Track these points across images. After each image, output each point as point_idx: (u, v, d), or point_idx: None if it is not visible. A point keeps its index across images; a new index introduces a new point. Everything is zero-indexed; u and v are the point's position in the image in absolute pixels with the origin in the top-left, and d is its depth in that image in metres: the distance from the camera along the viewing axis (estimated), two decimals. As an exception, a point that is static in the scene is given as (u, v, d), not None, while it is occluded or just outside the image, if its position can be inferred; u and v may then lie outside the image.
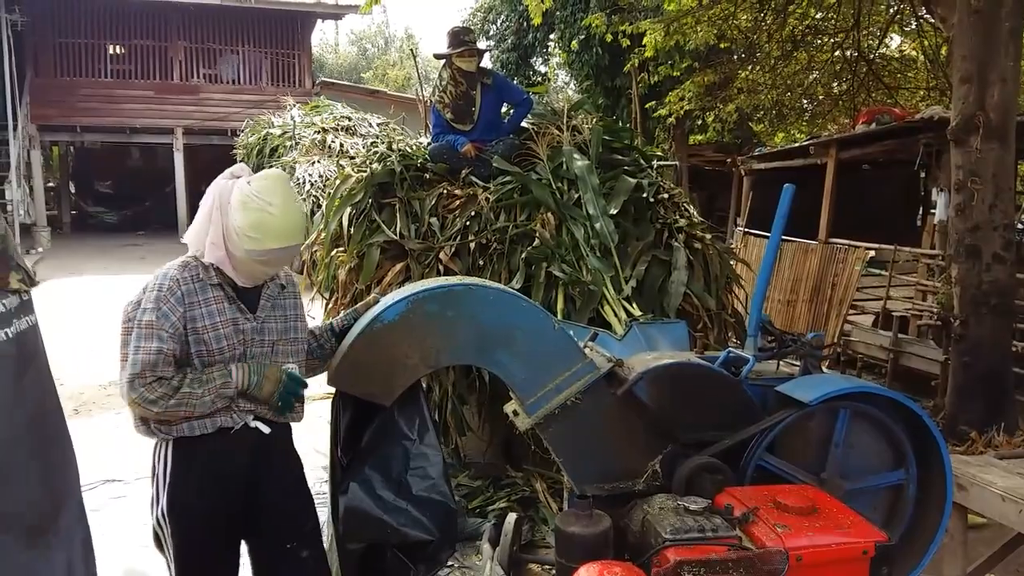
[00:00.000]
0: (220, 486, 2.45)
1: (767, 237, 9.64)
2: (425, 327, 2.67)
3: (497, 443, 5.00)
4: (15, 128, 16.31)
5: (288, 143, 12.69)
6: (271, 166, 11.83)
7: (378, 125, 13.05)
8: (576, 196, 5.04)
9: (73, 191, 23.77)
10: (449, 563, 4.06)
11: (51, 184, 23.28)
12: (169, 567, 2.52)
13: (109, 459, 5.44)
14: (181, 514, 2.43)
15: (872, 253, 8.68)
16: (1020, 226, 10.05)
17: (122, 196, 23.03)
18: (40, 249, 16.73)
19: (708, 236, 5.07)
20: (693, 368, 2.88)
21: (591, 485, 2.80)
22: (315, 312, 5.09)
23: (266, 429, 2.51)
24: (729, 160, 12.05)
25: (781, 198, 3.11)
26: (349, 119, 14.19)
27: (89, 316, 10.31)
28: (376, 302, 2.78)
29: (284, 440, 2.64)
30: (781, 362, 3.40)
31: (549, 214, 4.92)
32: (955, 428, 5.51)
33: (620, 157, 5.54)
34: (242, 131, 16.88)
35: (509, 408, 2.95)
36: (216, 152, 17.85)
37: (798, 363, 3.16)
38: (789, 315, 9.02)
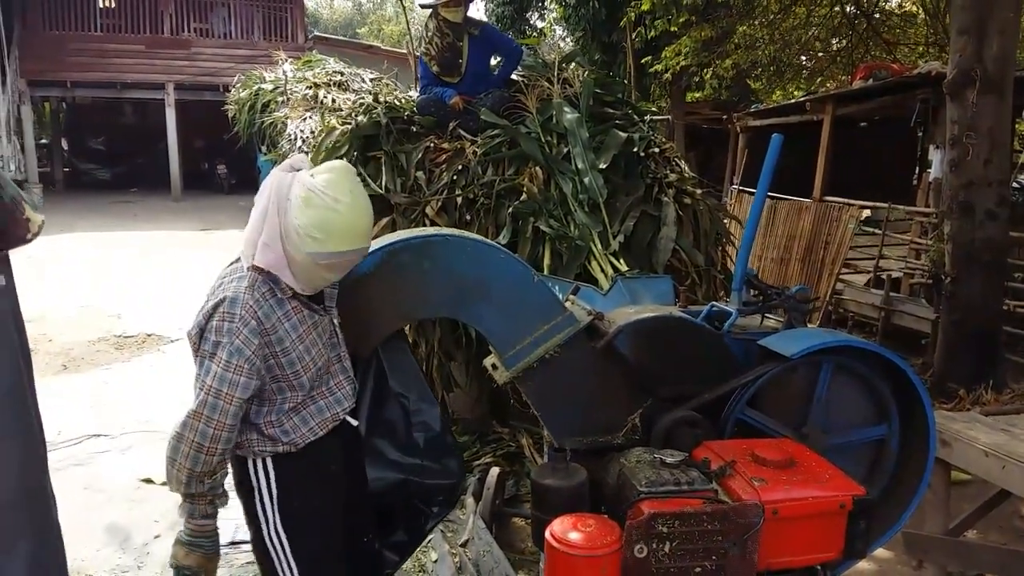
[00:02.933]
0: (330, 487, 2.35)
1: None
2: (400, 279, 2.61)
3: (484, 399, 4.98)
4: (4, 83, 16.07)
5: (279, 98, 12.51)
6: (262, 121, 11.70)
7: (371, 80, 12.89)
8: (565, 150, 4.96)
9: (66, 148, 23.58)
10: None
11: (44, 141, 23.08)
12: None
13: (95, 415, 5.43)
14: (299, 525, 2.27)
15: (867, 212, 8.63)
16: (1016, 185, 9.98)
17: (115, 153, 22.84)
18: (32, 206, 16.59)
19: (698, 191, 5.00)
20: (673, 321, 2.83)
21: (570, 439, 2.77)
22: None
23: (354, 421, 2.45)
24: (725, 117, 11.90)
25: (769, 149, 3.03)
26: (341, 74, 13.97)
27: (80, 273, 10.26)
28: None
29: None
30: (769, 317, 3.36)
31: (537, 168, 4.85)
32: (944, 386, 5.51)
33: (612, 111, 5.44)
34: (233, 86, 16.73)
35: (488, 362, 2.92)
36: (208, 108, 17.65)
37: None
38: (782, 274, 8.99)
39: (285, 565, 2.29)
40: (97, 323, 8.05)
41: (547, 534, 2.26)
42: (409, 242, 2.63)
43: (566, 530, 2.24)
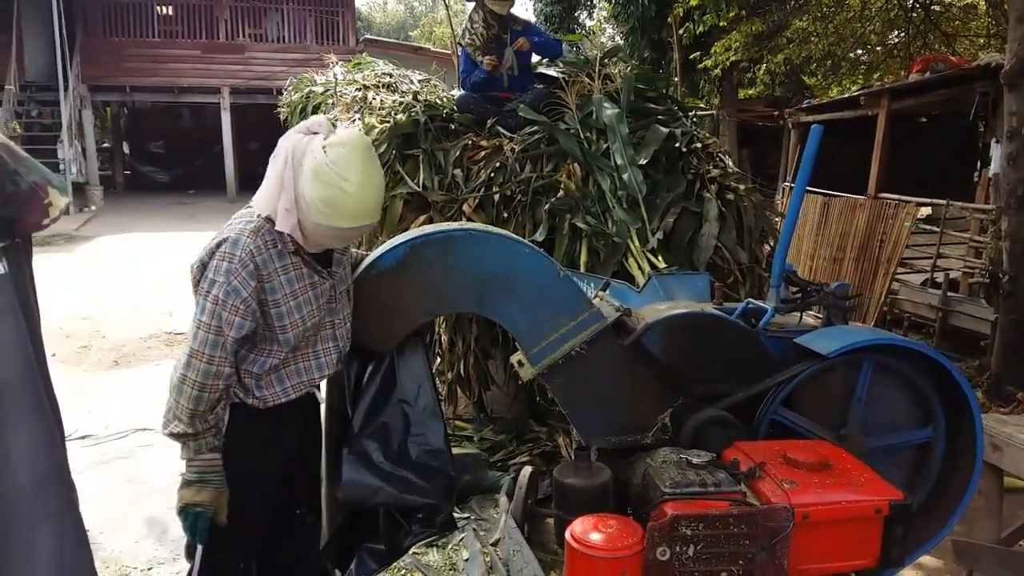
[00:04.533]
0: (273, 453, 2.36)
1: (813, 192, 9.34)
2: (423, 273, 2.59)
3: (521, 397, 4.93)
4: (66, 88, 16.58)
5: (329, 101, 12.70)
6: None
7: (419, 81, 13.00)
8: (604, 146, 4.88)
9: (127, 151, 24.24)
10: (466, 515, 4.03)
11: (106, 145, 23.77)
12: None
13: (143, 410, 5.53)
14: (232, 477, 2.26)
15: (927, 210, 8.33)
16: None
17: (173, 156, 23.40)
18: (93, 207, 17.10)
19: (742, 187, 4.87)
20: (705, 318, 2.75)
21: (598, 438, 2.70)
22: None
23: (321, 396, 2.48)
24: (777, 114, 11.63)
25: (808, 139, 2.93)
26: (390, 76, 14.12)
27: (136, 272, 10.51)
28: None
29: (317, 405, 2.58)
30: (808, 314, 3.25)
31: (575, 164, 4.78)
32: (1000, 388, 5.28)
33: (654, 106, 5.34)
34: (285, 89, 17.05)
35: (515, 358, 2.88)
36: (262, 111, 17.93)
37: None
38: (835, 273, 8.74)
39: None
40: (150, 320, 8.23)
41: (567, 534, 2.21)
42: (432, 237, 2.61)
43: (587, 530, 2.18)
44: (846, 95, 10.46)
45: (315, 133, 2.13)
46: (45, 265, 11.21)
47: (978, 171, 11.60)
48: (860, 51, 12.68)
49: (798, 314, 3.15)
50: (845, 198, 8.87)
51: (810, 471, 2.29)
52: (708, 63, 11.01)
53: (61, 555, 1.71)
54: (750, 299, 2.99)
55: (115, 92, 19.17)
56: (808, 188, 9.65)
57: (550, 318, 2.65)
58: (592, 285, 3.19)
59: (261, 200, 2.18)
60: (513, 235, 2.78)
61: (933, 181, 10.39)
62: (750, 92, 15.37)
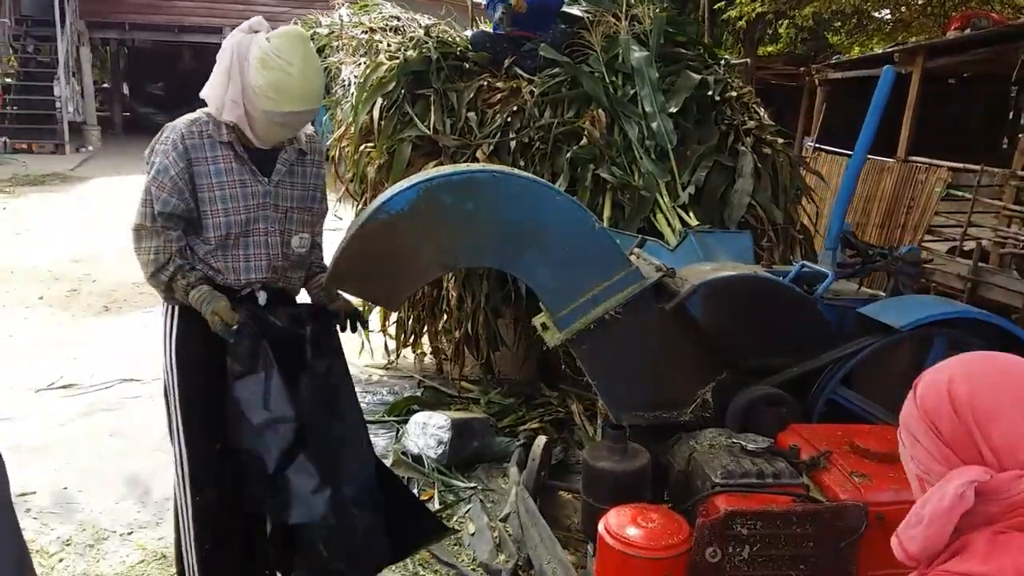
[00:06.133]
0: (219, 342, 2.35)
1: (841, 153, 8.93)
2: (439, 220, 2.24)
3: (532, 360, 4.63)
4: (63, 24, 16.00)
5: (335, 43, 12.27)
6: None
7: (427, 26, 12.52)
8: (632, 92, 4.51)
9: (126, 92, 23.67)
10: (472, 485, 3.75)
11: (105, 85, 23.19)
12: (173, 419, 2.44)
13: (130, 358, 5.22)
14: (185, 364, 2.40)
15: (953, 175, 7.93)
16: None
17: (173, 97, 22.78)
18: (90, 148, 16.64)
19: (779, 141, 4.50)
20: (759, 282, 2.41)
21: (629, 413, 2.39)
22: (344, 214, 4.72)
23: (262, 297, 2.44)
24: (803, 69, 11.11)
25: (879, 84, 2.57)
26: (398, 19, 13.61)
27: (129, 215, 10.14)
28: None
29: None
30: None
31: (600, 111, 4.41)
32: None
33: (684, 51, 4.94)
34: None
35: (538, 321, 2.55)
36: (265, 53, 17.38)
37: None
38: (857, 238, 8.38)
39: (174, 399, 2.41)
40: (143, 266, 7.89)
41: (601, 527, 1.90)
42: (450, 178, 2.25)
43: (624, 524, 1.88)
44: (878, 52, 9.97)
45: (256, 31, 2.26)
46: (38, 205, 10.83)
47: (1006, 138, 11.17)
48: (887, 9, 12.14)
49: (851, 282, 2.83)
50: (871, 160, 8.46)
51: (883, 463, 1.98)
52: (733, 13, 10.49)
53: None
54: (805, 262, 2.65)
55: (114, 29, 18.53)
56: (832, 149, 9.20)
57: (582, 277, 2.31)
58: (620, 242, 2.85)
59: (208, 95, 2.31)
60: (542, 180, 2.43)
61: (961, 145, 9.96)
62: (769, 49, 14.83)
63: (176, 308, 2.42)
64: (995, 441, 0.97)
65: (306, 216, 2.49)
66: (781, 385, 2.37)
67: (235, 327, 2.24)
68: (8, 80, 16.05)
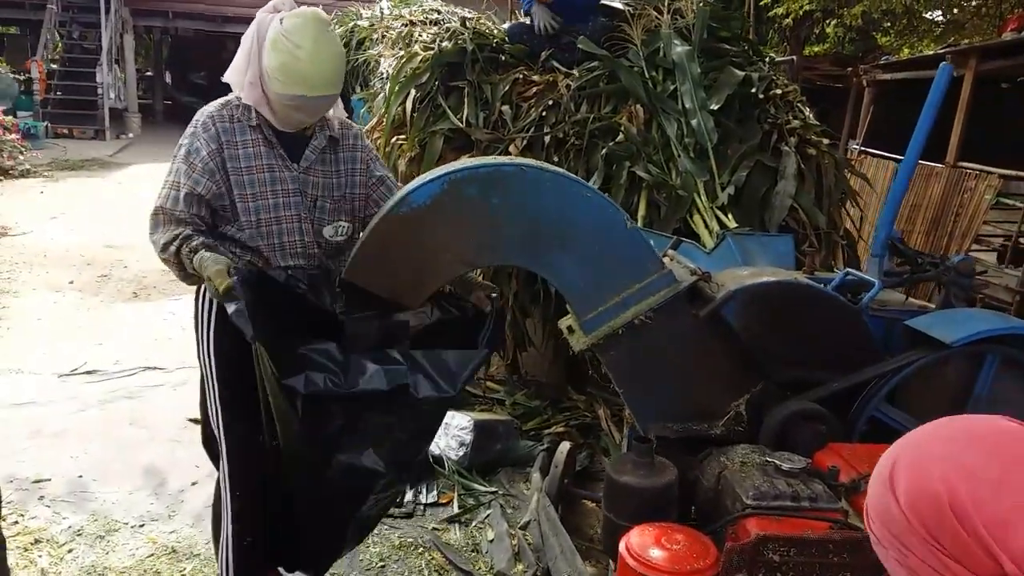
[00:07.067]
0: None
1: (890, 158, 8.66)
2: (463, 215, 2.13)
3: (560, 362, 4.50)
4: (108, 10, 16.19)
5: (375, 36, 12.28)
6: (356, 59, 11.51)
7: (464, 17, 12.46)
8: (672, 88, 4.35)
9: (168, 80, 23.94)
10: (493, 489, 3.64)
11: (149, 73, 23.47)
12: (213, 410, 2.34)
13: (155, 346, 5.20)
14: (222, 352, 2.28)
15: (1004, 182, 7.65)
16: None
17: (215, 87, 22.98)
18: (130, 134, 16.83)
19: (825, 142, 4.32)
20: (801, 289, 2.27)
21: (657, 424, 2.26)
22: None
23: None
24: (850, 70, 10.81)
25: (935, 80, 2.41)
26: (438, 12, 13.55)
27: (165, 202, 10.19)
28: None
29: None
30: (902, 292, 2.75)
31: (638, 106, 4.27)
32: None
33: (727, 47, 4.77)
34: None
35: (564, 323, 2.43)
36: (305, 44, 17.45)
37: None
38: (902, 246, 8.12)
39: (213, 390, 2.31)
40: (175, 253, 7.90)
41: (622, 546, 1.78)
42: (476, 171, 2.14)
43: (647, 544, 1.76)
44: (930, 53, 9.66)
45: (278, 11, 2.20)
46: (76, 189, 10.94)
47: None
48: (939, 11, 11.77)
49: (897, 292, 2.67)
50: (920, 165, 8.19)
51: (930, 490, 1.83)
52: (779, 11, 10.22)
53: None
54: (850, 270, 2.50)
55: (158, 17, 18.74)
56: (880, 153, 8.91)
57: (612, 278, 2.19)
58: (654, 243, 2.72)
59: (231, 78, 2.29)
60: (572, 175, 2.31)
61: (1012, 152, 9.62)
62: (815, 49, 14.50)
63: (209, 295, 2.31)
64: (1015, 548, 0.81)
65: (343, 204, 2.38)
66: (820, 400, 2.22)
67: (224, 291, 2.00)
68: (53, 65, 16.25)
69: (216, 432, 2.32)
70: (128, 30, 17.76)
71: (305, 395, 1.94)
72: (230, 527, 2.32)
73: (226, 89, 2.37)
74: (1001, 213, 8.39)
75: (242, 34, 2.34)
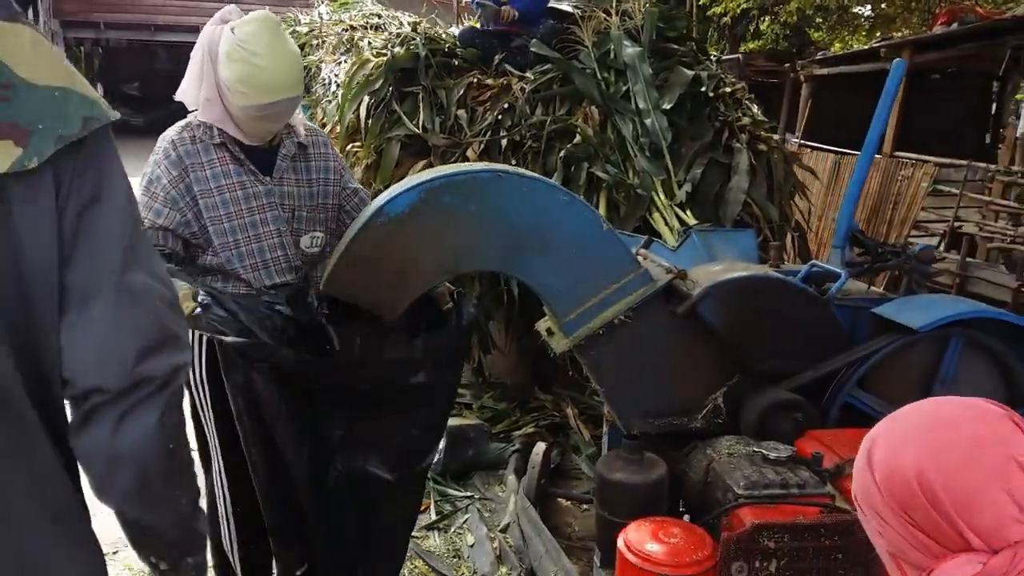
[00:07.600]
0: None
1: (827, 150, 8.90)
2: (441, 223, 2.14)
3: (525, 363, 4.53)
4: (36, 22, 15.71)
5: (314, 42, 12.13)
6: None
7: (409, 23, 12.39)
8: (624, 88, 4.42)
9: (101, 93, 23.30)
10: (468, 493, 3.65)
11: (78, 85, 22.81)
12: (208, 431, 2.26)
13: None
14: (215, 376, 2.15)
15: (939, 170, 7.93)
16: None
17: (149, 98, 22.47)
18: (63, 149, 16.35)
19: (775, 137, 4.44)
20: (772, 282, 2.34)
21: (639, 420, 2.31)
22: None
23: (286, 310, 2.24)
24: (788, 65, 11.08)
25: (890, 75, 2.50)
26: (379, 16, 13.45)
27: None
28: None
29: None
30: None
31: (593, 108, 4.33)
32: None
33: (675, 47, 4.86)
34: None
35: (542, 326, 2.46)
36: (242, 52, 17.17)
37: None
38: (844, 235, 8.34)
39: (207, 414, 2.22)
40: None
41: (620, 542, 1.81)
42: (453, 179, 2.16)
43: (644, 539, 1.80)
44: (865, 47, 9.96)
45: (226, 22, 2.13)
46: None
47: (990, 134, 11.21)
48: (868, 5, 12.15)
49: (862, 280, 2.77)
50: (857, 156, 8.44)
51: (909, 470, 1.90)
52: (718, 9, 10.43)
53: None
54: (815, 262, 2.58)
55: (88, 28, 18.23)
56: (818, 146, 9.16)
57: (591, 280, 2.22)
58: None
59: (185, 97, 2.22)
60: (549, 180, 2.34)
61: (944, 141, 9.98)
62: (751, 46, 14.83)
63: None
64: (980, 525, 0.87)
65: (317, 214, 2.34)
66: (795, 389, 2.29)
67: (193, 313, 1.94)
68: (-22, 80, 15.69)
69: (212, 452, 2.27)
70: (58, 41, 17.24)
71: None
72: (233, 532, 2.28)
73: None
74: (937, 199, 8.67)
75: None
